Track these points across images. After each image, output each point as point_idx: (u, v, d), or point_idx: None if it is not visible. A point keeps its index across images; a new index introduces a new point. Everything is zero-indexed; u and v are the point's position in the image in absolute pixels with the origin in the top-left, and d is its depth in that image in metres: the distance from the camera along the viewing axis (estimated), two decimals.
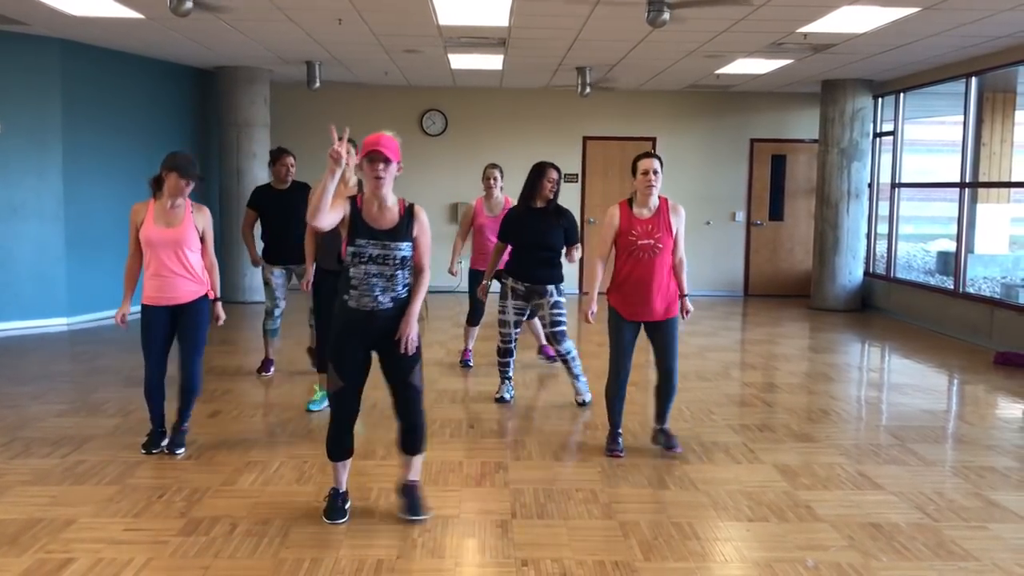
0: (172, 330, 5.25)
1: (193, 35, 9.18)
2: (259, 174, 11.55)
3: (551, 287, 6.29)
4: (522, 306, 6.43)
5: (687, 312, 5.33)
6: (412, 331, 4.11)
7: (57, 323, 9.64)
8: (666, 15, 7.01)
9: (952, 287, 10.60)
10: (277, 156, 7.22)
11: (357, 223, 4.08)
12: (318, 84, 11.09)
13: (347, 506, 4.34)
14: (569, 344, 6.35)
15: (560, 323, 6.26)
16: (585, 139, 13.30)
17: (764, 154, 13.45)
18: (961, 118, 10.42)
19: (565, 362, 6.44)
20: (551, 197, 6.34)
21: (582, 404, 6.49)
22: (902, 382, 7.87)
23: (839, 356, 9.03)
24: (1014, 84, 12.30)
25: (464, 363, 7.89)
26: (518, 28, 8.47)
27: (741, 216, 13.48)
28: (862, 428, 6.22)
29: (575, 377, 6.48)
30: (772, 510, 4.53)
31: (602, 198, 12.97)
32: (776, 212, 13.53)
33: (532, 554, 3.93)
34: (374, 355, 4.24)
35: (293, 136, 12.77)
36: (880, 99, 12.16)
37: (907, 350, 9.34)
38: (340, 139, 3.87)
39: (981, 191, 13.31)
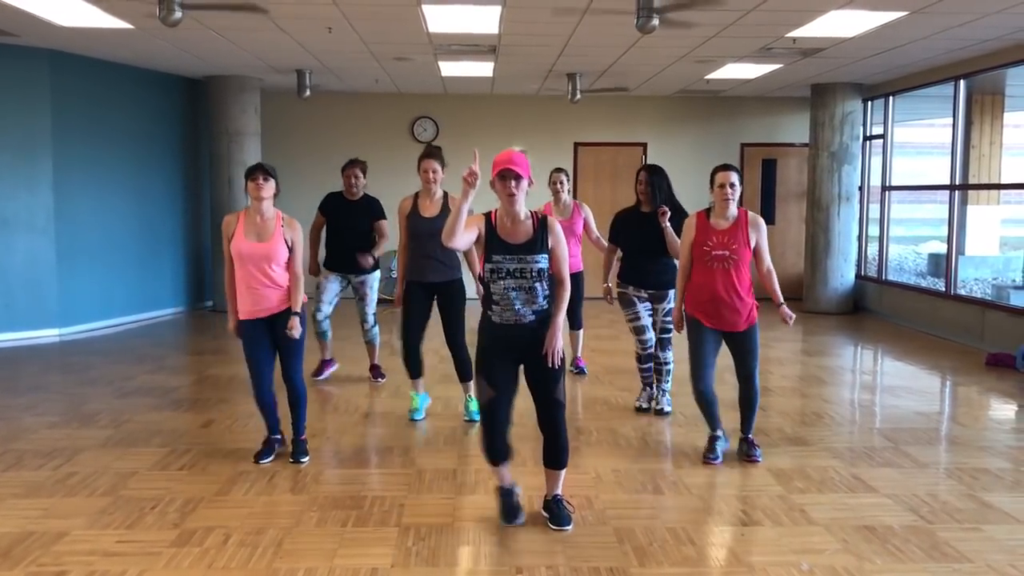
0: (273, 340, 5.18)
1: (183, 45, 9.18)
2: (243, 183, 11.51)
3: (670, 292, 6.24)
4: (650, 307, 6.37)
5: (788, 319, 5.38)
6: (557, 344, 4.13)
7: (48, 334, 9.60)
8: (655, 21, 7.03)
9: (943, 289, 10.63)
10: (346, 166, 7.25)
11: (493, 240, 4.14)
12: (308, 92, 11.09)
13: (517, 500, 4.39)
14: (671, 353, 6.34)
15: (670, 330, 6.21)
16: (576, 145, 13.31)
17: (755, 158, 13.49)
18: (950, 121, 10.47)
19: (659, 372, 6.41)
20: (644, 199, 6.26)
21: (660, 412, 6.44)
22: (895, 384, 7.89)
23: (832, 359, 9.04)
24: (1002, 86, 12.35)
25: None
26: (508, 35, 8.48)
27: None
28: (855, 431, 6.23)
29: (663, 391, 6.46)
30: (766, 514, 4.53)
31: (593, 204, 12.89)
32: (767, 216, 13.55)
33: (527, 561, 3.93)
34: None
35: (284, 145, 12.80)
36: (870, 102, 12.20)
37: (899, 352, 9.36)
38: (474, 161, 3.95)
39: (971, 193, 13.36)
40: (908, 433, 6.08)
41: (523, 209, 4.17)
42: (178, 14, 6.93)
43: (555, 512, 4.33)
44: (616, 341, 9.70)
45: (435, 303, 6.16)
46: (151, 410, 6.53)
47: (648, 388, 6.62)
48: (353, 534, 4.22)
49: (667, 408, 6.45)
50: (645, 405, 6.59)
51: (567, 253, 4.23)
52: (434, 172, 6.02)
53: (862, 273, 12.49)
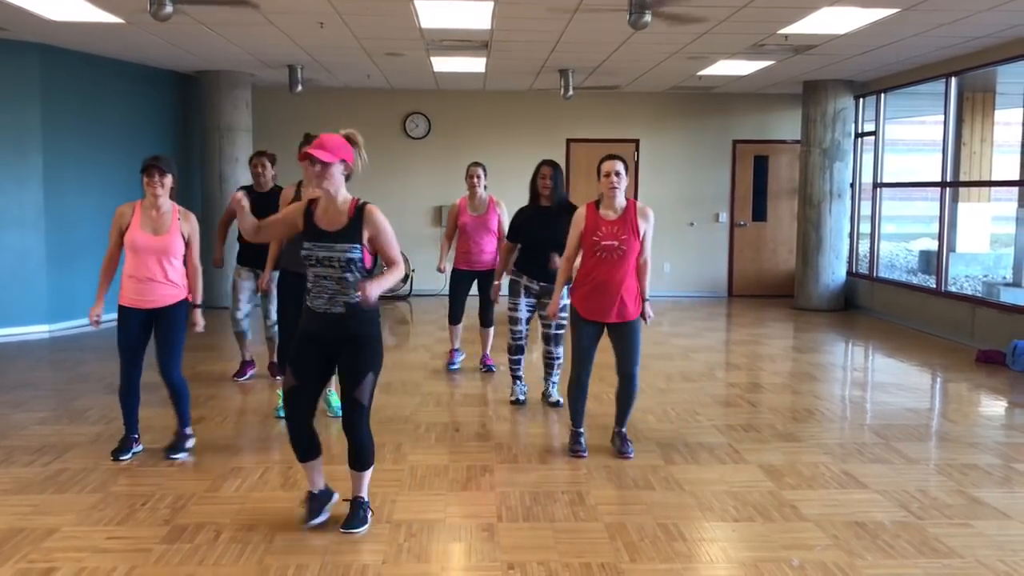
0: (148, 333, 5.20)
1: (174, 39, 9.14)
2: (242, 178, 11.49)
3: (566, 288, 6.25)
4: (534, 304, 6.45)
5: (647, 317, 5.33)
6: (372, 291, 3.85)
7: (38, 330, 9.56)
8: (647, 17, 7.03)
9: (934, 286, 10.66)
10: (252, 158, 7.20)
11: (308, 225, 4.06)
12: (300, 88, 11.06)
13: (328, 504, 4.28)
14: (562, 350, 6.38)
15: (564, 326, 6.25)
16: (569, 141, 13.31)
17: (747, 155, 13.50)
18: (941, 118, 10.50)
19: (549, 365, 6.49)
20: (547, 193, 6.34)
21: (555, 405, 6.52)
22: (885, 381, 7.92)
23: (823, 356, 9.07)
24: (993, 84, 12.39)
25: (450, 365, 7.86)
26: (500, 31, 8.47)
27: (724, 217, 13.52)
28: (846, 427, 6.25)
29: (552, 382, 6.56)
30: (757, 510, 4.54)
31: (586, 200, 12.91)
32: (759, 213, 13.58)
33: (518, 557, 3.93)
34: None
35: (276, 140, 12.72)
36: (861, 99, 12.23)
37: (890, 349, 9.39)
38: (240, 202, 4.10)
39: (962, 190, 13.41)
40: (899, 429, 6.10)
41: (340, 196, 4.01)
42: (169, 8, 6.90)
43: (350, 513, 4.21)
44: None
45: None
46: (141, 407, 6.45)
47: (518, 381, 6.67)
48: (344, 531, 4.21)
49: (560, 399, 6.48)
50: (522, 398, 6.63)
51: (393, 238, 4.05)
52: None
53: (853, 270, 12.52)
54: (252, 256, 7.03)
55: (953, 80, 10.20)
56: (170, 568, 3.79)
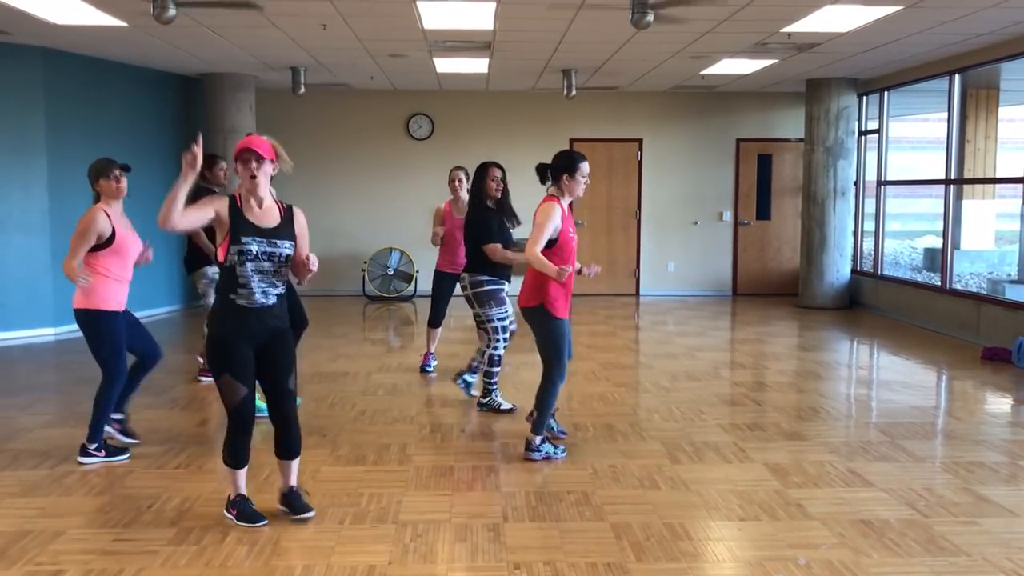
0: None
1: (177, 42, 9.16)
2: None
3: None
4: (507, 312, 6.42)
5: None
6: (314, 258, 4.17)
7: (44, 333, 9.58)
8: (650, 17, 7.03)
9: (939, 283, 10.65)
10: (211, 162, 7.14)
11: (239, 222, 4.12)
12: (303, 90, 11.07)
13: (291, 515, 4.37)
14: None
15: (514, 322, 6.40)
16: (572, 141, 13.31)
17: (750, 154, 13.50)
18: (945, 115, 10.48)
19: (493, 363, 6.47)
20: (498, 196, 6.36)
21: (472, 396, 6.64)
22: (891, 379, 7.91)
23: (828, 354, 9.06)
24: (997, 81, 12.37)
25: (424, 368, 7.81)
26: (503, 31, 8.47)
27: (728, 216, 13.51)
28: (852, 425, 6.24)
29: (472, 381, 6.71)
30: (763, 509, 4.54)
31: (589, 199, 12.97)
32: (763, 211, 13.57)
33: (524, 557, 3.93)
34: None
35: (279, 142, 12.75)
36: (865, 97, 12.21)
37: (895, 347, 9.37)
38: (196, 143, 3.98)
39: (966, 187, 13.38)
40: (904, 427, 6.09)
41: (268, 195, 4.22)
42: (172, 11, 6.92)
43: (294, 503, 4.36)
44: (612, 338, 9.70)
45: None
46: (147, 408, 6.53)
47: (493, 393, 6.55)
48: (350, 531, 4.22)
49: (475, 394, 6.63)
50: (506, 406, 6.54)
51: (307, 242, 4.29)
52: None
53: (858, 268, 12.50)
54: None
55: (957, 77, 10.18)
56: (177, 570, 3.80)
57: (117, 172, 5.20)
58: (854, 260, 12.46)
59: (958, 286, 11.31)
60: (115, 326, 5.24)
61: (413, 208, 12.76)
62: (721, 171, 13.47)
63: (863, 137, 12.36)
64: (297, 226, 4.25)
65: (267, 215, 4.18)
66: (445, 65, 10.50)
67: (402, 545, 4.06)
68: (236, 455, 4.29)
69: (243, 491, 4.37)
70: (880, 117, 11.93)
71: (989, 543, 4.10)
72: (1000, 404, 7.10)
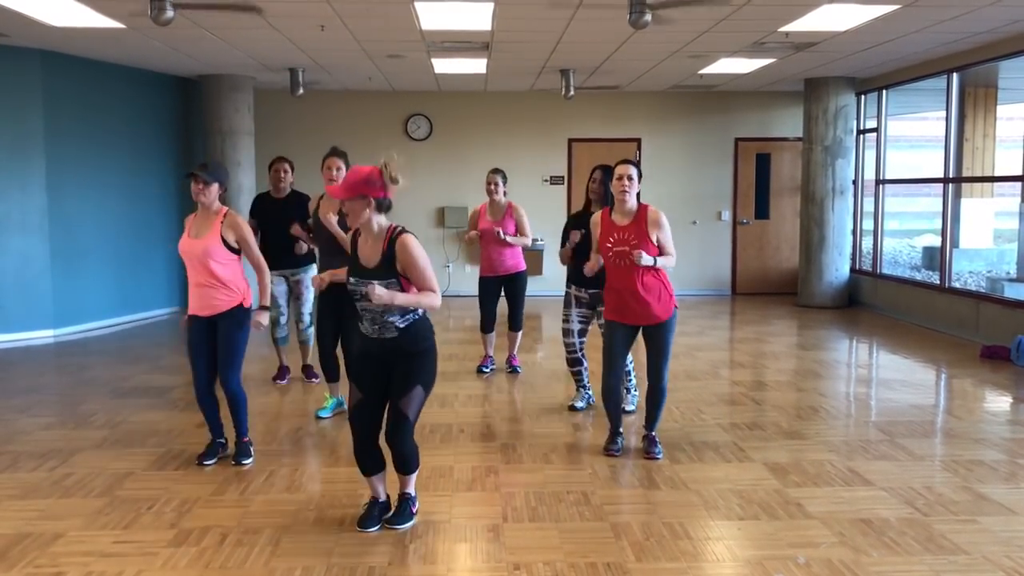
0: (212, 340, 5.16)
1: (175, 44, 9.15)
2: (244, 182, 11.52)
3: None
4: (587, 315, 6.31)
5: (639, 259, 5.06)
6: (383, 295, 3.88)
7: (43, 335, 9.58)
8: (648, 16, 7.03)
9: (938, 282, 10.65)
10: (271, 163, 7.23)
11: (352, 257, 4.12)
12: (301, 91, 11.06)
13: (385, 516, 4.31)
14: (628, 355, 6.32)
15: None
16: (570, 141, 13.31)
17: (749, 153, 13.49)
18: (943, 114, 10.48)
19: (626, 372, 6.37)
20: (596, 198, 6.14)
21: (625, 412, 6.32)
22: (890, 378, 7.91)
23: (827, 353, 9.06)
24: (995, 79, 12.36)
25: (481, 369, 7.83)
26: (501, 32, 8.47)
27: (727, 215, 13.51)
28: (851, 424, 6.24)
29: (627, 389, 6.38)
30: (763, 508, 4.54)
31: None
32: (762, 210, 13.57)
33: (524, 558, 3.93)
34: None
35: (278, 143, 12.75)
36: (863, 96, 12.21)
37: (894, 345, 9.38)
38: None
39: (965, 186, 13.38)
40: (904, 426, 6.09)
41: (375, 226, 4.03)
42: (170, 13, 6.92)
43: (396, 509, 4.32)
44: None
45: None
46: (147, 410, 6.53)
47: (582, 389, 6.56)
48: (350, 533, 4.21)
49: (632, 408, 6.37)
50: (580, 405, 6.52)
51: (426, 268, 4.01)
52: (338, 170, 6.11)
53: (857, 267, 12.50)
54: (282, 259, 7.02)
55: (955, 76, 10.19)
56: (176, 572, 3.80)
57: (200, 180, 5.05)
58: (853, 259, 12.46)
59: (957, 284, 11.31)
60: (190, 329, 5.17)
61: (412, 208, 12.74)
62: (720, 170, 13.47)
63: (861, 136, 12.36)
64: (399, 262, 3.99)
65: (370, 251, 4.05)
66: (443, 66, 10.50)
67: (402, 546, 4.06)
68: (358, 461, 4.25)
69: (376, 495, 4.31)
70: (878, 116, 11.93)
71: (988, 541, 4.10)
72: (999, 402, 7.10)
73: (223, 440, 5.35)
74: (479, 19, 7.87)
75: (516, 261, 7.55)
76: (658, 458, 5.34)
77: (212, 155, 11.47)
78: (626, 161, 5.22)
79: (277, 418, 6.33)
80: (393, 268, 3.99)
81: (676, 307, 5.29)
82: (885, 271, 12.39)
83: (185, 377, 7.80)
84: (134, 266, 10.91)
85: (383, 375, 4.14)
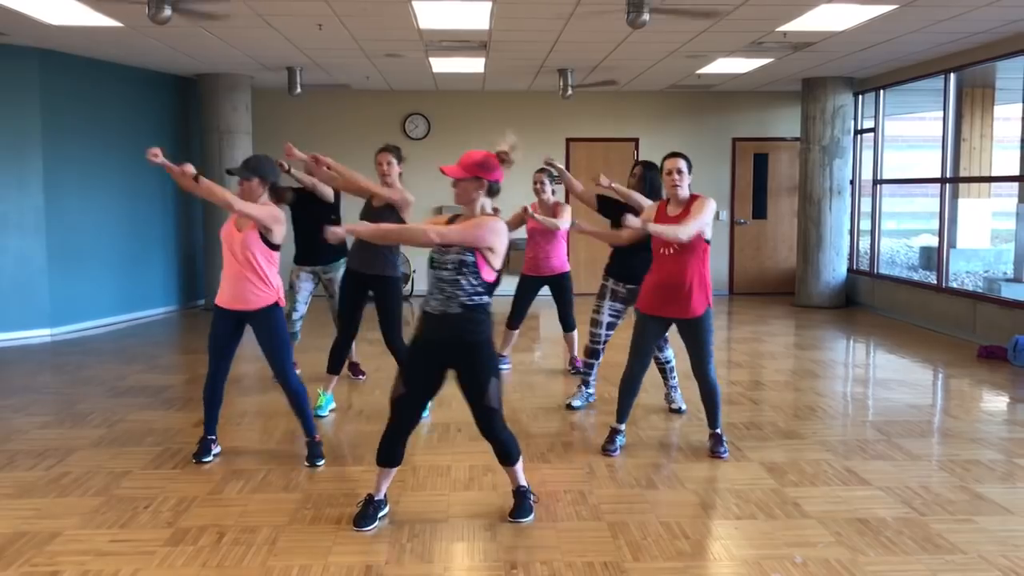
0: (237, 336, 5.16)
1: (173, 42, 9.15)
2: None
3: None
4: (620, 309, 6.32)
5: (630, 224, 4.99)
6: (361, 227, 4.15)
7: (40, 334, 9.57)
8: (646, 16, 7.03)
9: (935, 282, 10.66)
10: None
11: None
12: (299, 90, 11.06)
13: (380, 515, 4.33)
14: (670, 352, 6.29)
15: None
16: (568, 140, 13.32)
17: (746, 153, 13.50)
18: (941, 114, 10.49)
19: (663, 371, 6.37)
20: (643, 190, 6.10)
21: (677, 411, 6.38)
22: (887, 377, 7.91)
23: (824, 353, 9.06)
24: (992, 79, 12.37)
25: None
26: (499, 31, 8.47)
27: (725, 215, 13.52)
28: (848, 424, 6.25)
29: (673, 387, 6.40)
30: (760, 507, 4.54)
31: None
32: (759, 210, 13.58)
33: (521, 557, 3.93)
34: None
35: (276, 142, 12.75)
36: (861, 96, 12.22)
37: (891, 345, 9.38)
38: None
39: (962, 186, 13.38)
40: (901, 426, 6.10)
41: (477, 208, 4.15)
42: (167, 12, 6.91)
43: (515, 503, 4.37)
44: (616, 336, 9.68)
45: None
46: (144, 409, 6.52)
47: (583, 387, 6.57)
48: (347, 531, 4.21)
49: (683, 407, 6.38)
50: (577, 403, 6.52)
51: (473, 236, 4.03)
52: (388, 164, 6.17)
53: (854, 267, 12.52)
54: (310, 254, 7.00)
55: (952, 76, 10.20)
56: (173, 570, 3.79)
57: (242, 181, 5.03)
58: (850, 259, 12.47)
59: (954, 285, 11.32)
60: (213, 318, 5.16)
61: (410, 208, 12.72)
62: (717, 170, 13.47)
63: (859, 136, 12.37)
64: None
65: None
66: (441, 65, 10.50)
67: (399, 545, 4.06)
68: (379, 449, 4.28)
69: (377, 490, 4.33)
70: (876, 116, 11.94)
71: (985, 541, 4.11)
72: (996, 402, 7.11)
73: (214, 437, 5.35)
74: (477, 18, 7.87)
75: (560, 262, 7.49)
76: (723, 457, 5.34)
77: (210, 154, 11.48)
78: (675, 155, 5.21)
79: (274, 416, 6.33)
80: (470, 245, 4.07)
81: (710, 306, 5.26)
82: (882, 271, 12.40)
83: (182, 376, 7.81)
84: (131, 265, 10.90)
85: (437, 371, 4.20)
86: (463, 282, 4.07)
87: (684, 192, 5.15)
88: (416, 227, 4.11)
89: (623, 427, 5.52)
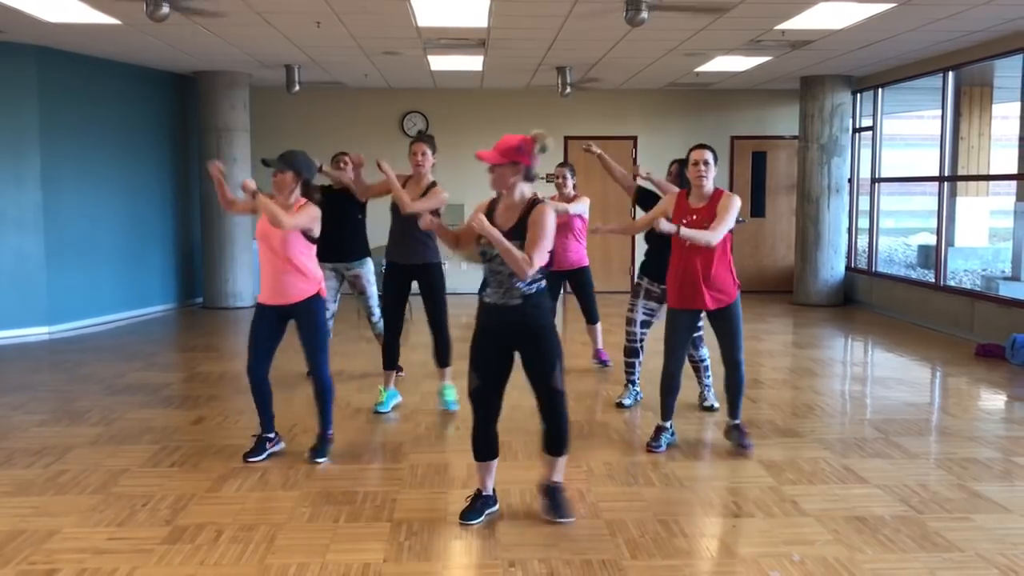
0: (279, 331, 5.15)
1: (171, 40, 9.13)
2: (239, 179, 11.45)
3: None
4: (654, 308, 6.30)
5: (665, 230, 4.98)
6: (487, 227, 3.93)
7: (38, 332, 9.56)
8: (644, 14, 7.03)
9: (933, 280, 10.67)
10: (336, 158, 7.23)
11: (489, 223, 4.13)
12: (297, 88, 11.04)
13: (488, 511, 4.34)
14: (705, 351, 6.29)
15: (700, 327, 6.06)
16: (567, 139, 13.31)
17: (745, 151, 13.50)
18: (939, 112, 10.50)
19: (697, 370, 6.36)
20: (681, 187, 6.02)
21: (709, 409, 6.37)
22: (885, 376, 7.92)
23: (822, 351, 9.07)
24: (990, 78, 12.38)
25: (603, 363, 7.90)
26: (497, 29, 8.47)
27: None
28: (846, 422, 6.25)
29: (707, 386, 6.40)
30: (758, 505, 4.54)
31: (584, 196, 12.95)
32: (758, 209, 13.57)
33: (519, 555, 3.93)
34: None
35: (274, 140, 12.75)
36: (859, 94, 12.23)
37: (889, 344, 9.39)
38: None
39: (960, 184, 13.39)
40: (898, 424, 6.10)
41: (517, 194, 4.14)
42: (165, 9, 6.91)
43: (553, 500, 4.31)
44: (606, 335, 9.68)
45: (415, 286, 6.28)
46: (142, 407, 6.52)
47: (630, 385, 6.59)
48: (345, 529, 4.21)
49: (715, 404, 6.36)
50: (627, 402, 6.55)
51: (544, 238, 4.03)
52: (423, 154, 6.10)
53: (852, 265, 12.52)
54: (333, 252, 6.98)
55: (950, 74, 10.20)
56: (171, 568, 3.79)
57: (275, 172, 5.03)
58: (848, 257, 12.48)
59: (952, 283, 11.34)
60: (254, 318, 5.14)
61: None
62: (716, 168, 13.43)
63: (857, 134, 12.38)
64: (530, 224, 4.07)
65: (506, 215, 4.14)
66: (439, 63, 10.49)
67: (397, 543, 4.06)
68: (473, 446, 4.31)
69: (483, 488, 4.34)
70: (874, 114, 11.95)
71: (983, 539, 4.11)
72: (994, 400, 7.12)
73: (272, 435, 5.31)
74: (475, 16, 7.86)
75: (580, 256, 7.50)
76: (750, 449, 5.35)
77: (208, 151, 11.46)
78: (701, 146, 5.22)
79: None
80: (523, 233, 4.07)
81: (740, 290, 5.29)
82: (880, 269, 12.41)
83: (180, 373, 7.81)
84: (129, 263, 10.89)
85: (505, 358, 4.21)
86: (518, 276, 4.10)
87: (709, 185, 5.16)
88: (521, 259, 4.00)
89: (668, 424, 5.50)
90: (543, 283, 4.18)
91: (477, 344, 4.23)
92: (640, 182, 6.50)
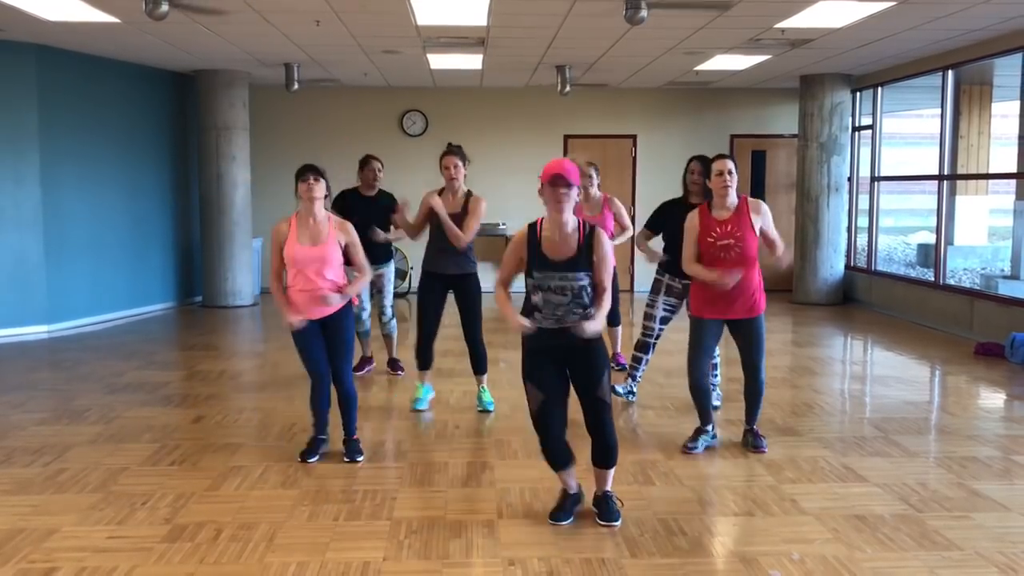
0: (324, 340, 5.17)
1: (170, 38, 9.13)
2: (239, 178, 11.50)
3: None
4: (675, 304, 6.32)
5: (782, 259, 5.19)
6: (591, 326, 3.98)
7: (37, 331, 9.55)
8: (644, 12, 7.02)
9: (933, 279, 10.67)
10: (365, 162, 7.27)
11: (535, 255, 4.11)
12: (297, 86, 11.03)
13: (577, 507, 4.35)
14: (716, 349, 6.25)
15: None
16: (566, 137, 13.31)
17: (744, 150, 13.49)
18: (939, 111, 10.50)
19: (713, 365, 6.30)
20: (696, 190, 6.04)
21: (714, 408, 6.25)
22: (885, 374, 7.92)
23: (822, 350, 9.07)
24: (990, 76, 12.39)
25: (622, 366, 7.79)
26: (497, 27, 8.46)
27: None
28: (846, 421, 6.25)
29: (713, 384, 6.28)
30: (757, 504, 4.54)
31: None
32: None
33: (519, 553, 3.93)
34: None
35: (273, 139, 12.79)
36: (858, 93, 12.23)
37: (889, 342, 9.39)
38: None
39: (959, 183, 13.40)
40: (898, 423, 6.10)
41: (571, 220, 4.11)
42: (164, 7, 6.90)
43: (603, 508, 4.30)
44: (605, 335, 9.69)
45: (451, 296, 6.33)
46: (141, 406, 6.52)
47: (630, 380, 6.60)
48: (345, 528, 4.21)
49: (718, 404, 6.36)
50: (620, 389, 6.54)
51: (612, 263, 4.14)
52: (455, 167, 6.12)
53: (851, 264, 12.53)
54: (367, 255, 6.98)
55: (950, 73, 10.20)
56: (171, 567, 3.79)
57: (310, 177, 5.02)
58: (848, 256, 12.48)
59: (951, 282, 11.34)
60: (295, 337, 5.13)
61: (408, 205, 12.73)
62: None
63: (857, 133, 12.38)
64: (595, 254, 4.08)
65: (564, 244, 4.09)
66: (439, 61, 10.48)
67: (397, 542, 4.06)
68: (546, 458, 4.30)
69: (568, 487, 4.35)
70: (874, 113, 11.95)
71: (982, 537, 4.12)
72: (993, 399, 7.12)
73: (325, 436, 5.34)
74: (475, 15, 7.86)
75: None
76: (764, 451, 5.36)
77: (207, 150, 11.46)
78: (723, 156, 5.22)
79: (272, 413, 6.32)
80: (590, 260, 4.07)
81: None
82: (880, 268, 12.41)
83: (180, 372, 7.81)
84: (129, 261, 10.88)
85: (562, 371, 4.19)
86: (583, 299, 4.10)
87: (733, 196, 5.15)
88: (607, 299, 4.08)
89: (709, 428, 5.49)
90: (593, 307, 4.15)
91: (533, 365, 4.20)
92: (652, 247, 6.44)
